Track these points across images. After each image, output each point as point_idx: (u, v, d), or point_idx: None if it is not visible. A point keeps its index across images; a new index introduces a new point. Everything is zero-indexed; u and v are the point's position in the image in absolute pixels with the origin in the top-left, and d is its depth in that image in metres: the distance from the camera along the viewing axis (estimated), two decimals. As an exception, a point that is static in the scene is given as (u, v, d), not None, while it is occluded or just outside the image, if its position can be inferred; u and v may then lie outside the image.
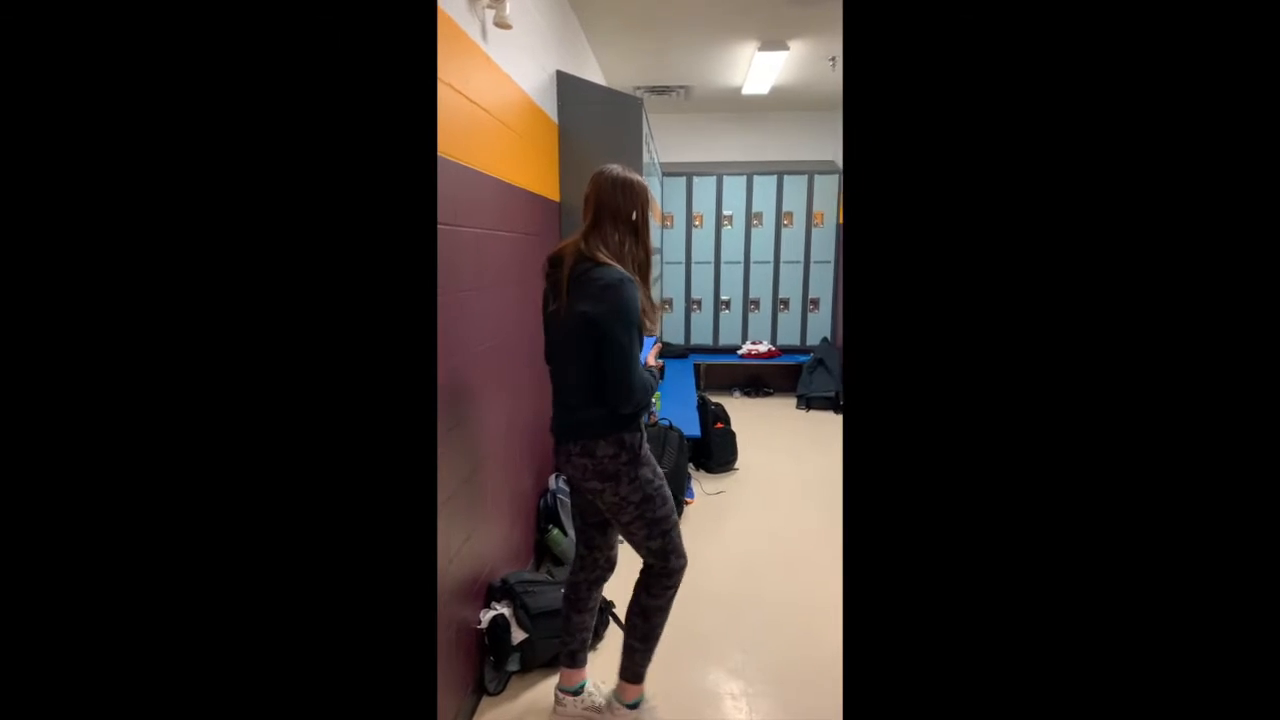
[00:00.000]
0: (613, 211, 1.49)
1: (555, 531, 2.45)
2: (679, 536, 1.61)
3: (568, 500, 2.51)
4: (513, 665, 1.87)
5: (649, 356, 1.60)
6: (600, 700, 1.72)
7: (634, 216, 1.51)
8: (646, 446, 1.56)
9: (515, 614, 1.86)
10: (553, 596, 1.91)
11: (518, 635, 1.84)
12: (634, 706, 1.67)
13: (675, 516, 1.60)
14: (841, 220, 5.17)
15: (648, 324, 1.50)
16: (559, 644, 1.74)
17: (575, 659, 1.72)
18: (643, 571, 1.64)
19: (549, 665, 1.89)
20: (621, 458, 1.49)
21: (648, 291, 1.53)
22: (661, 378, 1.59)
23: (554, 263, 1.53)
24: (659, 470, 1.58)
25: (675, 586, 1.62)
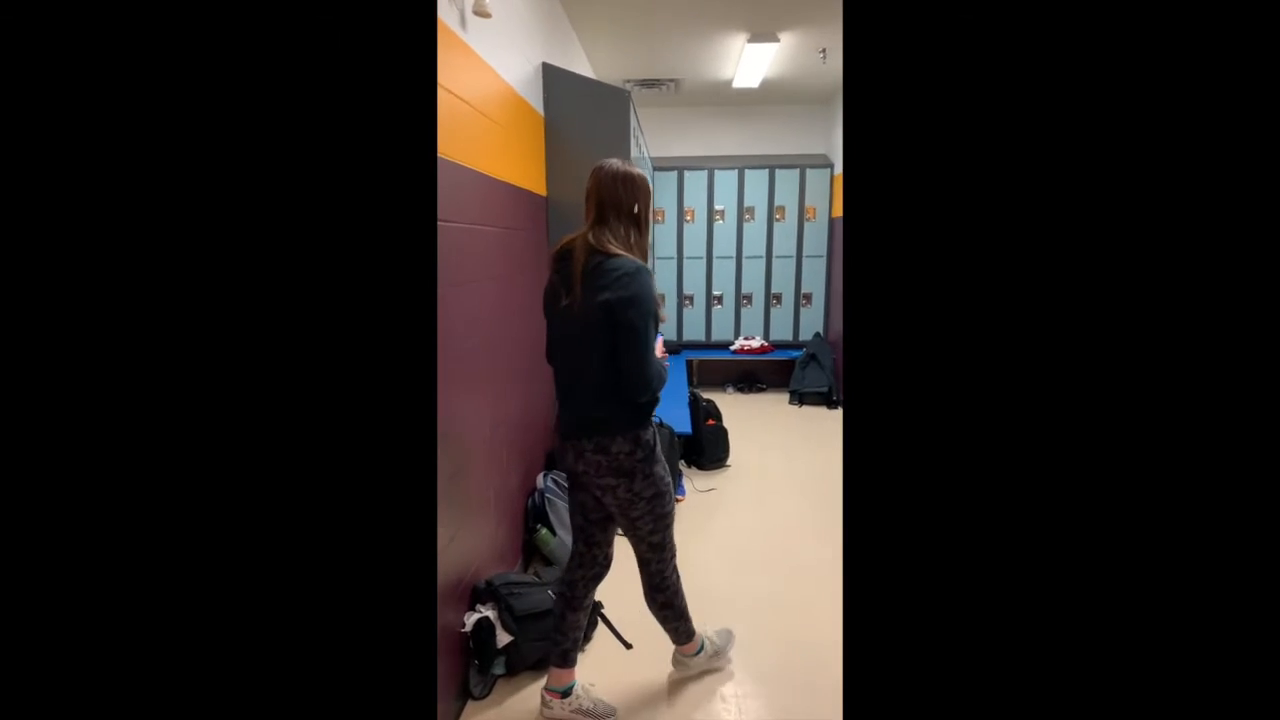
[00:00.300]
0: (615, 205, 1.51)
1: (544, 531, 2.42)
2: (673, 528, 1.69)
3: (557, 500, 2.48)
4: (498, 669, 1.84)
5: (656, 349, 1.59)
6: (588, 703, 1.69)
7: (636, 209, 1.53)
8: (659, 443, 1.58)
9: (500, 616, 1.82)
10: (539, 598, 1.88)
11: (503, 638, 1.81)
12: (700, 652, 1.85)
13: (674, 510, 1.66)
14: (834, 214, 5.15)
15: (661, 314, 1.52)
16: (550, 643, 1.71)
17: (566, 659, 1.69)
18: (642, 572, 1.68)
19: (535, 668, 1.85)
20: (638, 454, 1.51)
21: None
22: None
23: (562, 257, 1.53)
24: (665, 465, 1.60)
25: (675, 569, 1.71)
